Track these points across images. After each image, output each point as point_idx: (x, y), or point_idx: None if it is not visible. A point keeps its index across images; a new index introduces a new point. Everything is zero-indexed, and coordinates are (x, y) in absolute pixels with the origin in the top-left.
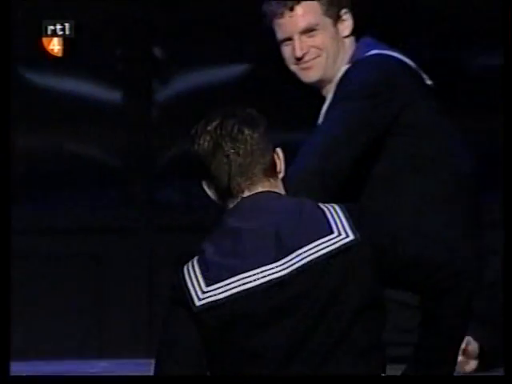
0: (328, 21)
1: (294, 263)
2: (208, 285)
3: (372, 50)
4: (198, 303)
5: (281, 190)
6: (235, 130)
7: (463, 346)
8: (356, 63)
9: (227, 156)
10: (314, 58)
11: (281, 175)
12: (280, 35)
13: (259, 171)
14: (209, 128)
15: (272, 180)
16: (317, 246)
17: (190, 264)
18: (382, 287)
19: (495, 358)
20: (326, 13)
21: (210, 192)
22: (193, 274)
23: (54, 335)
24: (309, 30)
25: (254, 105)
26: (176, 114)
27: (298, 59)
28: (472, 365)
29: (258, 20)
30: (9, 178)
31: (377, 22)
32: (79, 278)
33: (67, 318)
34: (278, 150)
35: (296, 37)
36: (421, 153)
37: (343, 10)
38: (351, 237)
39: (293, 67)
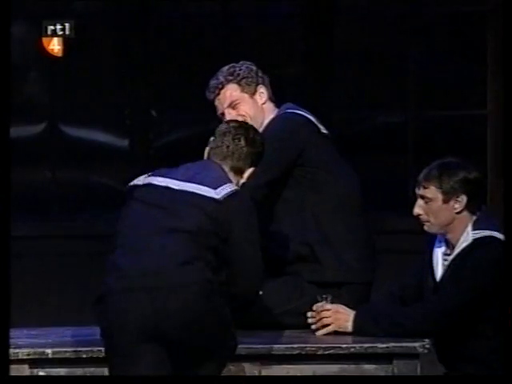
0: (246, 96)
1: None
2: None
3: (287, 110)
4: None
5: (227, 176)
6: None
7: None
8: (274, 118)
9: (232, 140)
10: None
11: (242, 180)
12: (218, 111)
13: (229, 162)
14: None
15: (230, 172)
16: (201, 188)
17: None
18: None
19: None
20: (243, 90)
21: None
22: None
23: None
24: (232, 104)
25: None
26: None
27: None
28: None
29: None
30: (9, 180)
31: None
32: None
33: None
34: (251, 169)
35: (226, 111)
36: (316, 178)
37: (258, 86)
38: (219, 196)
39: None
